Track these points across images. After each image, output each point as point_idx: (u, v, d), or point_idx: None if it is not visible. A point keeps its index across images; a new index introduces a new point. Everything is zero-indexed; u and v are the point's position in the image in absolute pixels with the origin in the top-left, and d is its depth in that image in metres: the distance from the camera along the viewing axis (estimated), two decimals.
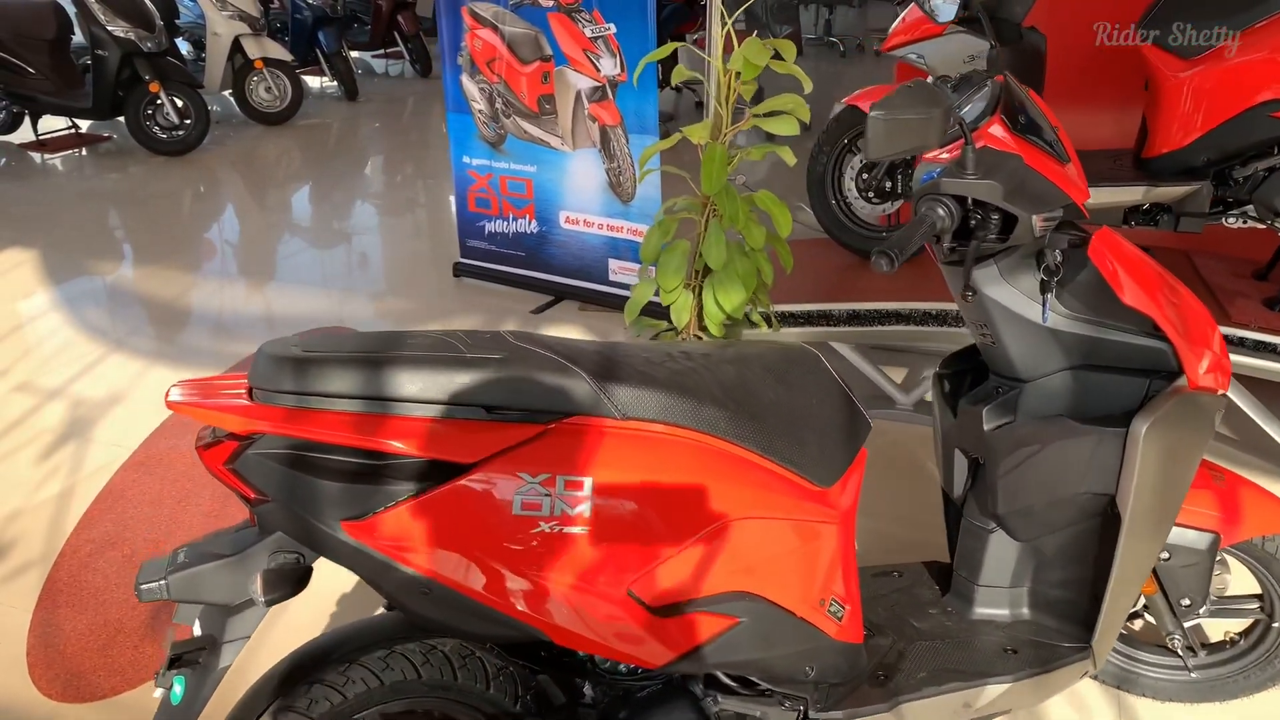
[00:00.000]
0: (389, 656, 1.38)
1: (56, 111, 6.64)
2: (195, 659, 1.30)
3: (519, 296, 4.10)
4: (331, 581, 2.25)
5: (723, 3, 2.92)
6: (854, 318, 2.94)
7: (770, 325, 2.86)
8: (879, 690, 1.60)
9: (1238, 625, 1.96)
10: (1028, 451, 1.63)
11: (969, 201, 1.45)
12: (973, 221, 1.46)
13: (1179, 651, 1.85)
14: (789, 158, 2.66)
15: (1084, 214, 1.54)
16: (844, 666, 1.55)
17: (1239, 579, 1.87)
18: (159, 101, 6.35)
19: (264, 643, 2.11)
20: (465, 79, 3.98)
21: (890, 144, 1.33)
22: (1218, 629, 2.07)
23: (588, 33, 3.56)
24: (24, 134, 6.91)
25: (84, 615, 2.25)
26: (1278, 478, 2.71)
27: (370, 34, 9.20)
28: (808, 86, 2.58)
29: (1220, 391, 1.58)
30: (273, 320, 3.96)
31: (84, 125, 7.21)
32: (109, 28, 6.12)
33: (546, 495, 1.24)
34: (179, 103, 6.43)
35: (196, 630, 1.32)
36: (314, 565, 1.32)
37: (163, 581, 1.27)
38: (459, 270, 4.32)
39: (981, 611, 1.77)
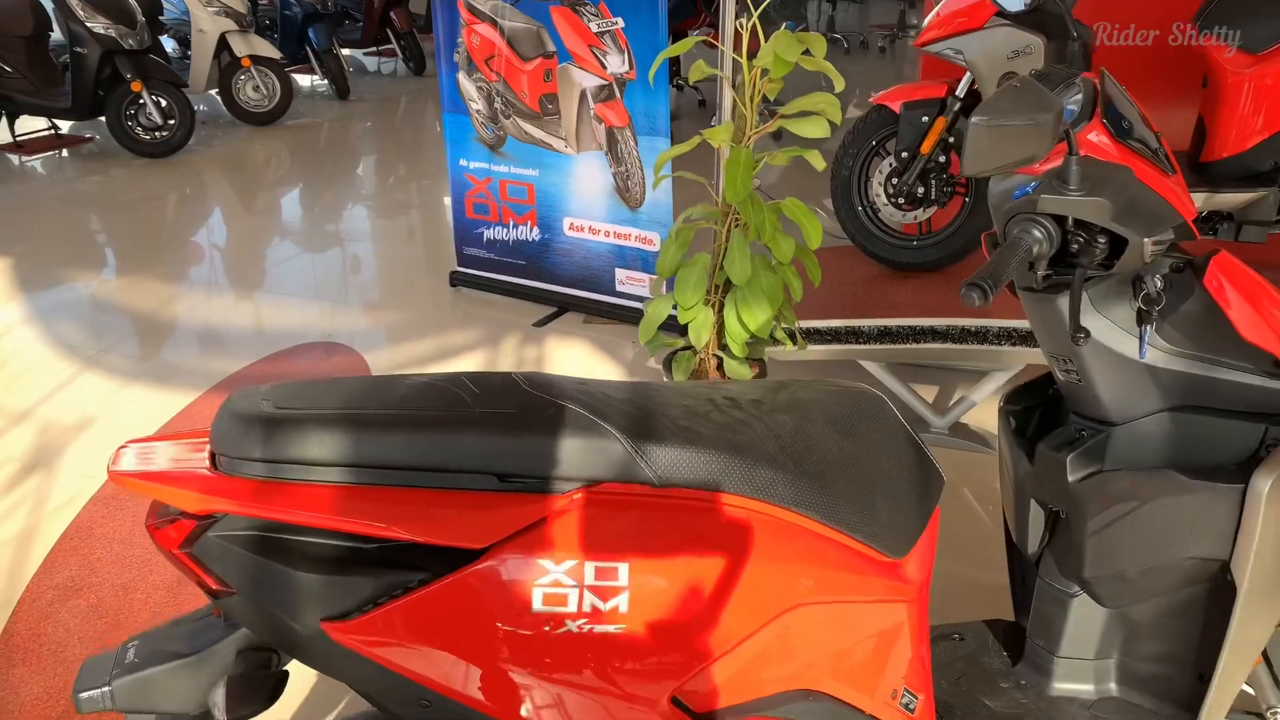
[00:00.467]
0: None
1: (34, 112, 6.39)
2: None
3: (520, 308, 3.87)
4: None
5: None
6: (886, 334, 2.72)
7: (795, 343, 2.63)
8: None
9: None
10: (1124, 508, 1.40)
11: (1069, 221, 1.23)
12: (1074, 246, 1.24)
13: None
14: (818, 163, 2.44)
15: (1195, 234, 1.32)
16: None
17: None
18: (141, 101, 6.11)
19: None
20: (462, 77, 3.75)
21: (995, 156, 1.10)
22: None
23: (593, 27, 3.33)
24: (1, 135, 6.66)
25: (41, 677, 2.02)
26: None
27: (362, 30, 8.96)
28: (839, 84, 2.35)
29: None
30: (259, 335, 3.73)
31: (64, 126, 6.95)
32: (88, 24, 5.87)
33: (574, 587, 1.02)
34: (162, 102, 6.18)
35: None
36: (289, 668, 1.09)
37: (107, 689, 1.05)
38: (456, 280, 4.09)
39: (1062, 687, 1.55)
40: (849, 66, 9.20)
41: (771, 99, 2.50)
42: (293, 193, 5.85)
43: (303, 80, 8.94)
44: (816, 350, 2.77)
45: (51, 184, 6.01)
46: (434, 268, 4.31)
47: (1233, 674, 1.40)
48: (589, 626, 1.02)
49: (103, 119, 6.26)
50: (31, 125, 6.89)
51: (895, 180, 2.92)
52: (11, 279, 4.28)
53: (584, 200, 3.64)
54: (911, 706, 1.28)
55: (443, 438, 1.03)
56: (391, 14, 8.85)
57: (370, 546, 1.01)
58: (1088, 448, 1.46)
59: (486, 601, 1.00)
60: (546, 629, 1.02)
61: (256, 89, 7.13)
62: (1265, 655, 1.57)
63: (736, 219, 2.48)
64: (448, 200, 4.21)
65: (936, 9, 2.73)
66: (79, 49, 5.94)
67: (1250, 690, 1.65)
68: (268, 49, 7.10)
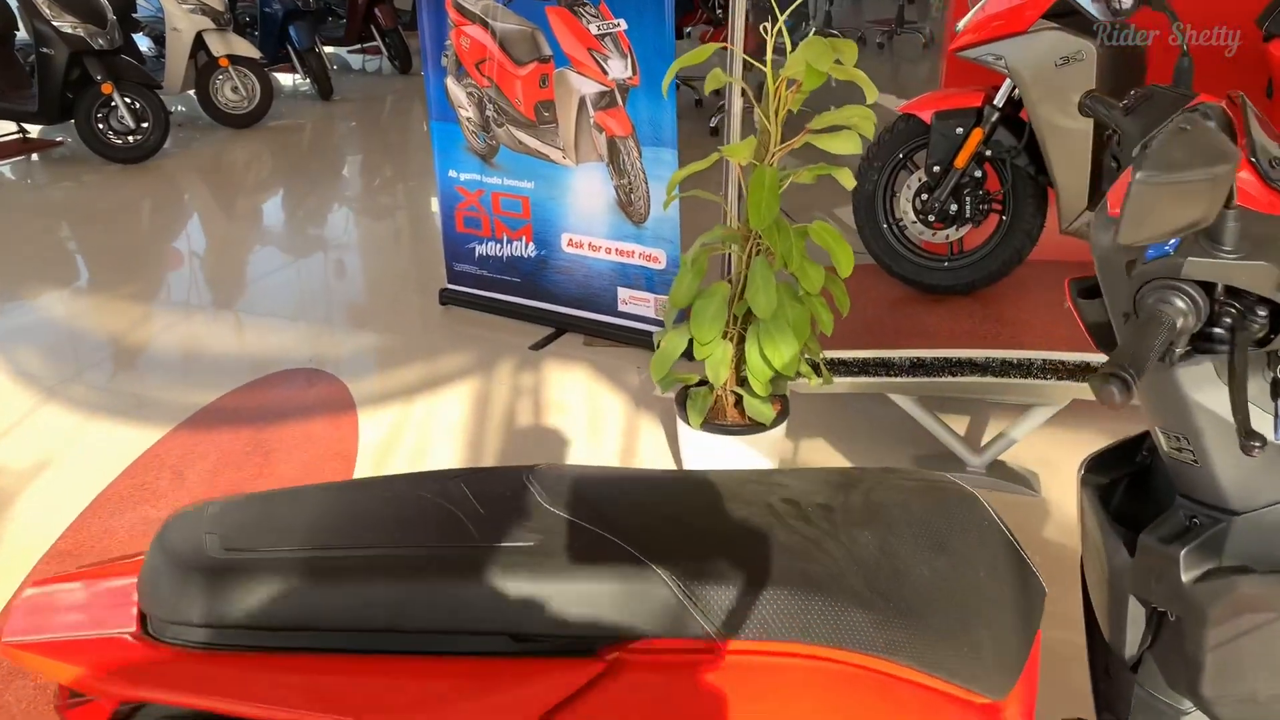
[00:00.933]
0: None
1: (0, 116, 6.08)
2: None
3: (515, 328, 3.62)
4: None
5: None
6: (919, 367, 2.49)
7: (820, 375, 2.40)
8: None
9: None
10: (1256, 619, 1.17)
11: (1218, 289, 1.00)
12: (1226, 319, 1.00)
13: None
14: (848, 181, 2.21)
15: None
16: None
17: None
18: (113, 104, 5.81)
19: None
20: (451, 83, 3.49)
21: (1163, 220, 0.86)
22: None
23: (593, 29, 3.08)
24: None
25: None
26: None
27: (345, 28, 8.67)
28: (872, 96, 2.12)
29: None
30: (235, 360, 3.47)
31: (34, 130, 6.65)
32: (55, 23, 5.58)
33: None
34: (135, 105, 5.89)
35: None
36: None
37: None
38: (446, 298, 3.83)
39: None
40: None
41: (795, 110, 2.27)
42: (273, 200, 5.57)
43: (284, 80, 8.64)
44: (841, 382, 2.54)
45: (18, 191, 5.72)
46: (423, 284, 4.06)
47: None
48: None
49: (73, 122, 5.97)
50: None
51: (925, 196, 2.68)
52: None
53: (583, 215, 3.40)
54: None
55: (440, 590, 0.79)
56: (375, 10, 8.56)
57: None
58: (1204, 540, 1.23)
59: None
60: None
61: (235, 90, 6.84)
62: None
63: (758, 244, 2.25)
64: (437, 208, 3.95)
65: (974, 11, 2.49)
66: (45, 49, 5.64)
67: None
68: (246, 48, 6.81)
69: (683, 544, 0.89)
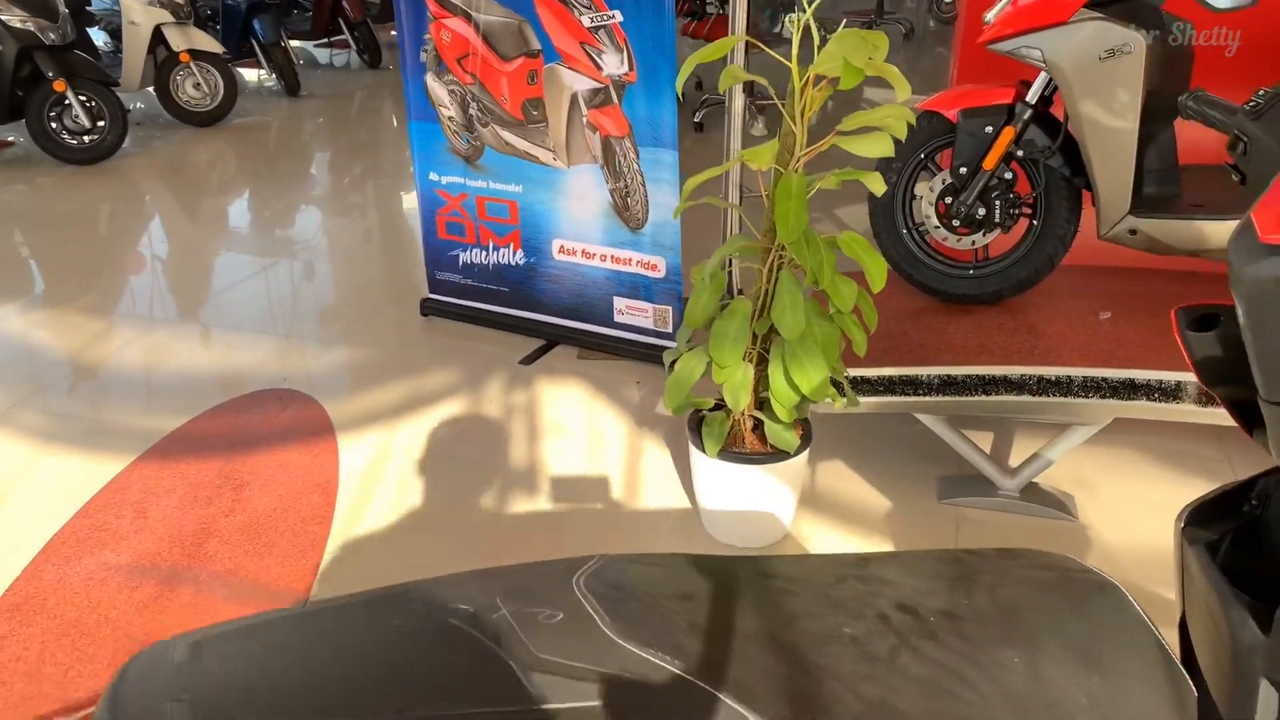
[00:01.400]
0: None
1: None
2: None
3: (503, 340, 3.41)
4: None
5: None
6: (949, 385, 2.31)
7: (844, 395, 2.21)
8: None
9: None
10: None
11: None
12: None
13: None
14: (877, 186, 2.02)
15: None
16: None
17: None
18: (66, 102, 5.50)
19: None
20: (431, 80, 3.26)
21: None
22: None
23: (586, 22, 2.86)
24: None
25: None
26: None
27: (312, 21, 8.35)
28: (904, 93, 1.92)
29: None
30: (203, 379, 3.22)
31: None
32: (2, 17, 5.26)
33: None
34: (90, 103, 5.58)
35: None
36: None
37: None
38: (428, 308, 3.61)
39: None
40: None
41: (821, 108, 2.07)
42: (239, 203, 5.30)
43: (248, 75, 8.32)
44: (868, 403, 2.35)
45: None
46: (403, 293, 3.82)
47: None
48: None
49: (24, 122, 5.65)
50: None
51: (950, 199, 2.50)
52: None
53: (576, 220, 3.18)
54: None
55: None
56: (343, 3, 8.25)
57: None
58: None
59: None
60: None
61: (197, 86, 6.53)
62: None
63: (782, 257, 2.05)
64: (415, 209, 3.72)
65: (1004, 1, 2.31)
66: None
67: None
68: (208, 42, 6.49)
69: (788, 683, 0.70)
